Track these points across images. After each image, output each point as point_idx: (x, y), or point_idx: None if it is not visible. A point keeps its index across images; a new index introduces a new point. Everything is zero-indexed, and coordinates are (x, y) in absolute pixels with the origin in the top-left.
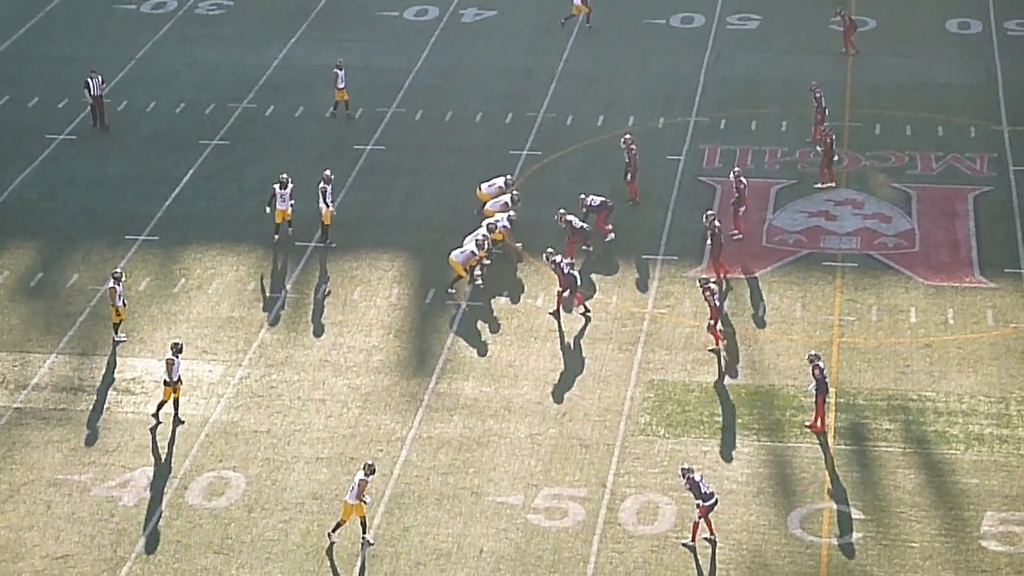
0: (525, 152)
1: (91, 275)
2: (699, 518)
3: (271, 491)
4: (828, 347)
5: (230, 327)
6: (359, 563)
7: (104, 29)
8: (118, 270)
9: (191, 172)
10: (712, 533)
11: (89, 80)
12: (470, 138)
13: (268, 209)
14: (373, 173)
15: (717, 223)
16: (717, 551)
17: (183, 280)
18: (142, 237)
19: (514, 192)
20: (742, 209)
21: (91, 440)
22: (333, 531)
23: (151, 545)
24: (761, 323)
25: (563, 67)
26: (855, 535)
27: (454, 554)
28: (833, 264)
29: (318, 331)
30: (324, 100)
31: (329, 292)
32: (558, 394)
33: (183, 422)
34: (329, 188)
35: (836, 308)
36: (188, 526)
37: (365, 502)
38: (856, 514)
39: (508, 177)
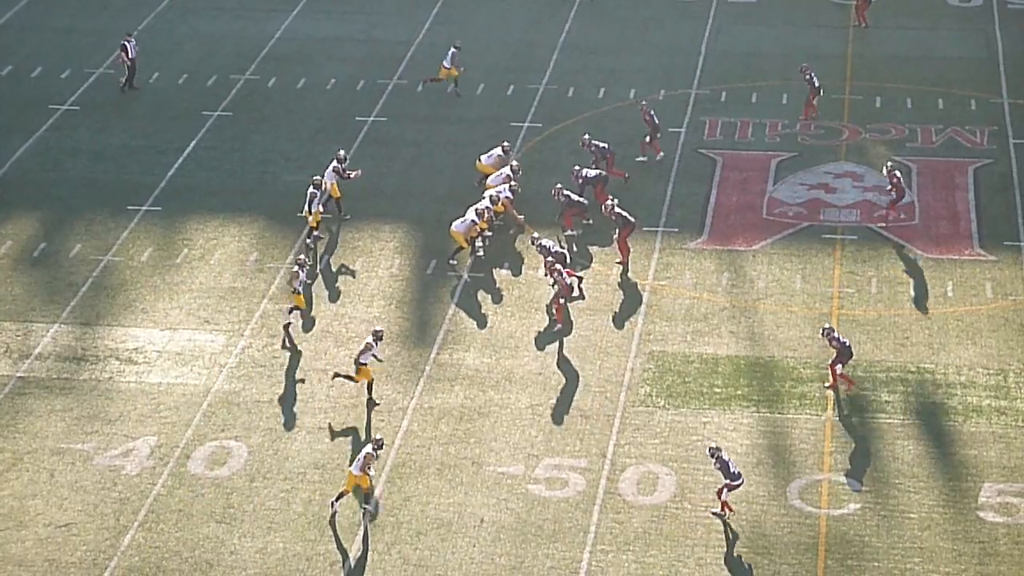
0: (526, 124)
1: (94, 245)
2: (723, 496)
3: (273, 460)
4: (828, 319)
5: (232, 297)
6: (360, 532)
7: (107, 0)
8: (303, 256)
9: (193, 143)
10: (723, 510)
11: (126, 44)
12: (471, 110)
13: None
14: (375, 145)
15: (618, 209)
16: (716, 521)
17: (185, 251)
18: (144, 207)
19: (514, 162)
20: (658, 136)
21: (94, 409)
22: (336, 500)
23: (153, 514)
24: (761, 295)
25: (564, 39)
26: (853, 506)
27: (455, 523)
28: (833, 236)
29: (320, 302)
30: (326, 72)
31: (342, 267)
32: (559, 365)
33: (377, 404)
34: (341, 167)
35: (836, 280)
36: (190, 495)
37: (369, 475)
38: (854, 485)
39: (506, 144)
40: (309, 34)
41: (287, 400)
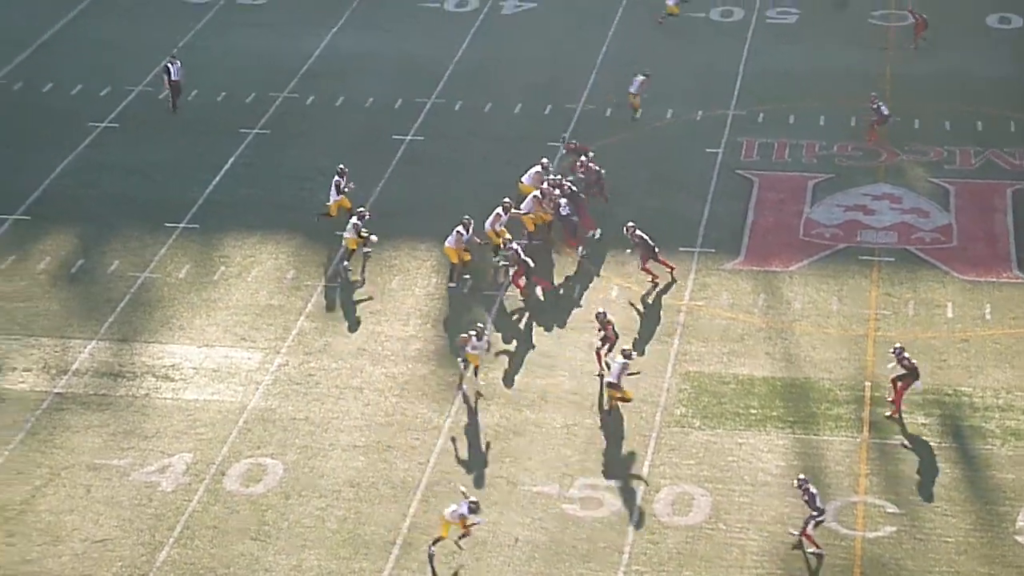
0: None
1: (131, 262)
2: (808, 529)
3: (308, 478)
4: (864, 341)
5: (269, 315)
6: (394, 552)
7: (147, 17)
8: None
9: (231, 160)
10: (805, 541)
11: (169, 65)
12: (509, 129)
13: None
14: (412, 163)
15: (639, 232)
16: (751, 543)
17: (222, 268)
18: (182, 224)
19: (544, 160)
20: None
21: (130, 425)
22: (433, 544)
23: (188, 530)
24: (797, 316)
25: (602, 59)
26: (889, 529)
27: (489, 542)
28: (870, 258)
29: (356, 319)
30: (364, 90)
31: (365, 278)
32: (594, 384)
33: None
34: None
35: (872, 302)
36: (225, 512)
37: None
38: (890, 508)
39: (544, 161)
40: (348, 52)
41: (322, 418)
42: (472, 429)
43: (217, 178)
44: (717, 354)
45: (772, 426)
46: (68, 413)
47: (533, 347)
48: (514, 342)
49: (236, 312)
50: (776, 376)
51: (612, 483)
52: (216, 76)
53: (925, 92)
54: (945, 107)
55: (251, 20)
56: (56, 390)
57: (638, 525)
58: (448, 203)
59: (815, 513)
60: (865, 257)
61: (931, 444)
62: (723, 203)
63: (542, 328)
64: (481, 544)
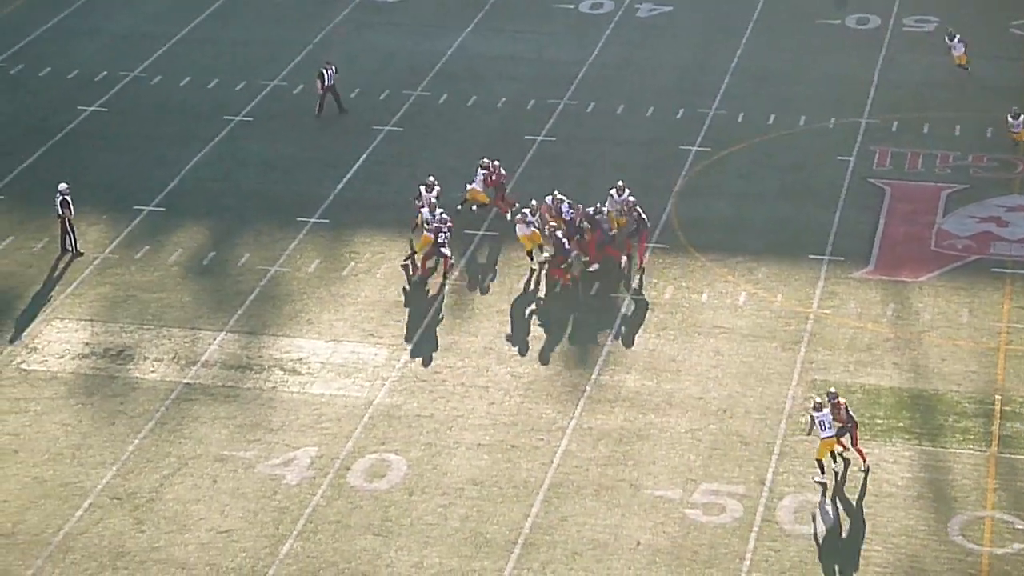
0: (695, 148)
1: (262, 255)
2: (852, 445)
3: (431, 475)
4: (995, 353)
5: (397, 311)
6: (515, 552)
7: (283, 13)
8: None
9: (363, 157)
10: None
11: (324, 71)
12: (640, 132)
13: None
14: (543, 164)
15: (639, 208)
16: (875, 554)
17: (352, 263)
18: (313, 220)
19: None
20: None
21: (256, 418)
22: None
23: (311, 524)
24: (926, 327)
25: (736, 64)
26: (1018, 545)
27: (610, 545)
28: (1003, 271)
29: (483, 319)
30: (496, 90)
31: (494, 278)
32: (719, 390)
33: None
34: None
35: (1005, 315)
36: (348, 507)
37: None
38: (1019, 524)
39: (620, 184)
40: (481, 52)
41: (447, 415)
42: (595, 431)
43: (349, 174)
44: (844, 363)
45: (898, 437)
46: (196, 404)
47: (659, 351)
48: (640, 346)
49: (364, 308)
50: (903, 387)
51: (735, 489)
52: (350, 73)
53: None
54: None
55: (386, 19)
56: (185, 380)
57: (760, 533)
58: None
59: (854, 424)
60: (997, 270)
61: None
62: (854, 211)
63: (669, 332)
64: (602, 547)
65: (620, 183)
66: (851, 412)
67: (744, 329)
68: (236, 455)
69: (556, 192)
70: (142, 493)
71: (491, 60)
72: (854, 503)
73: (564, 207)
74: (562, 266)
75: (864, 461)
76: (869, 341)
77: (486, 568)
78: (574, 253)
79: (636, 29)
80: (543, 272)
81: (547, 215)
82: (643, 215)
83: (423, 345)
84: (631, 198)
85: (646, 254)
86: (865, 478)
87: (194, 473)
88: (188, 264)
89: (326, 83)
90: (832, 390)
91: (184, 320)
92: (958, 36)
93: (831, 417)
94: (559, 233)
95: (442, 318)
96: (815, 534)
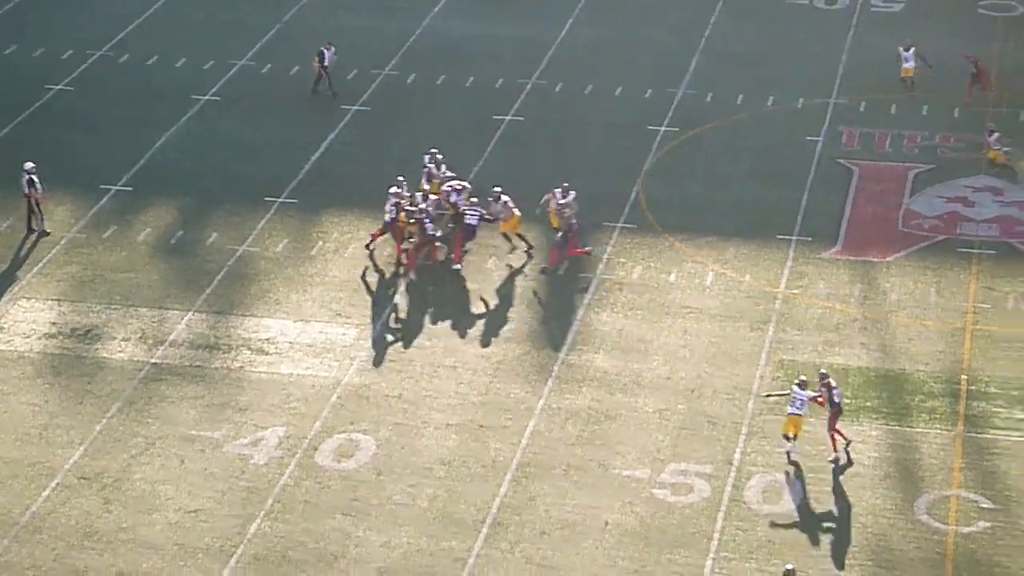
0: (663, 128)
1: (230, 235)
2: (835, 428)
3: (400, 455)
4: (961, 333)
5: (365, 291)
6: (484, 531)
7: None
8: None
9: (331, 136)
10: (845, 439)
11: (324, 51)
12: (608, 112)
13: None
14: (511, 144)
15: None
16: (842, 533)
17: (320, 243)
18: (281, 199)
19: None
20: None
21: (225, 398)
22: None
23: (280, 504)
24: (894, 307)
25: (704, 44)
26: (983, 524)
27: (579, 525)
28: (970, 251)
29: (452, 299)
30: (465, 70)
31: (467, 252)
32: (688, 370)
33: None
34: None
35: (971, 295)
36: (317, 487)
37: None
38: (984, 503)
39: (565, 184)
40: (449, 32)
41: (416, 395)
42: (564, 411)
43: (317, 154)
44: (812, 343)
45: (866, 417)
46: (164, 384)
47: (628, 331)
48: (608, 326)
49: (332, 288)
50: (871, 367)
51: (703, 469)
52: (316, 53)
53: None
54: None
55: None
56: (153, 360)
57: (728, 512)
58: (546, 185)
59: (836, 409)
60: (964, 250)
61: None
62: (822, 192)
63: (637, 312)
64: (571, 527)
65: (565, 184)
66: (837, 398)
67: (712, 309)
68: (204, 435)
69: (457, 182)
70: (110, 473)
71: (460, 40)
72: (821, 482)
73: (454, 197)
74: (421, 249)
75: (835, 450)
76: (837, 321)
77: (455, 547)
78: (439, 234)
79: (605, 9)
80: (503, 258)
81: (552, 204)
82: (575, 222)
83: (391, 325)
84: (575, 203)
85: (565, 262)
86: (836, 464)
87: (162, 453)
88: (156, 244)
89: (324, 62)
90: (823, 371)
91: (152, 300)
92: (914, 49)
93: (807, 398)
94: (426, 218)
95: (410, 298)
96: (783, 513)
